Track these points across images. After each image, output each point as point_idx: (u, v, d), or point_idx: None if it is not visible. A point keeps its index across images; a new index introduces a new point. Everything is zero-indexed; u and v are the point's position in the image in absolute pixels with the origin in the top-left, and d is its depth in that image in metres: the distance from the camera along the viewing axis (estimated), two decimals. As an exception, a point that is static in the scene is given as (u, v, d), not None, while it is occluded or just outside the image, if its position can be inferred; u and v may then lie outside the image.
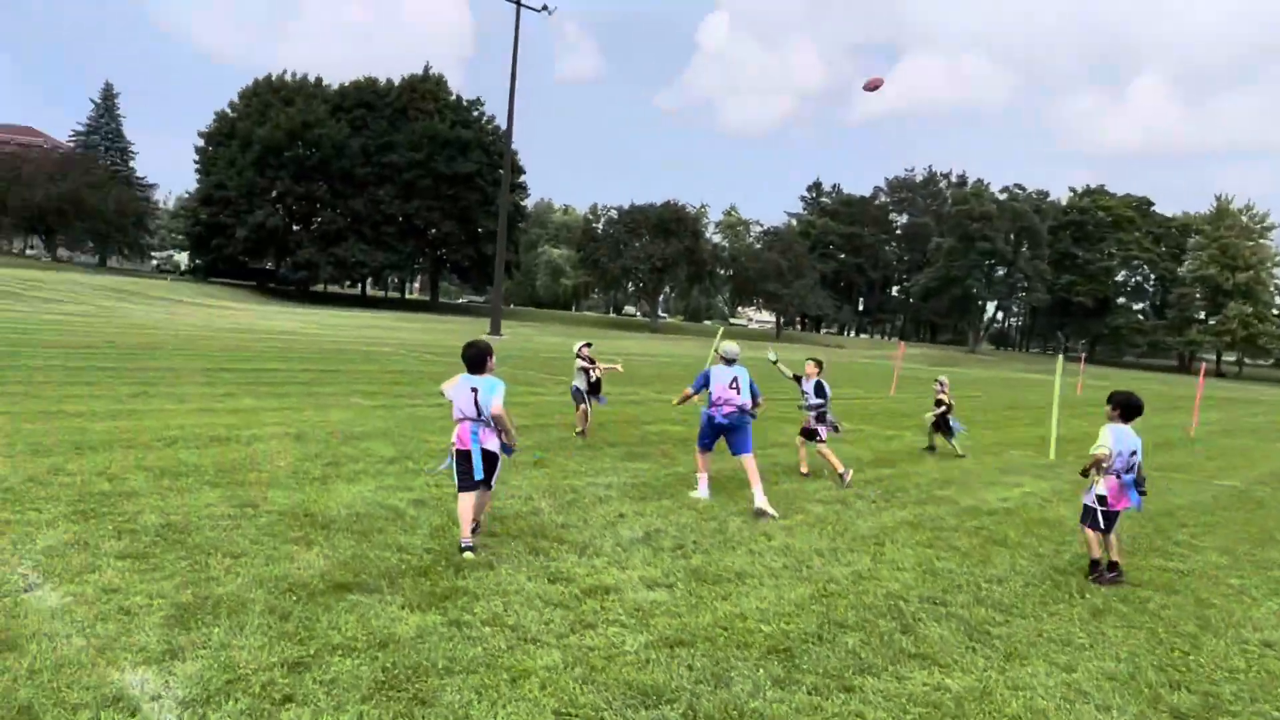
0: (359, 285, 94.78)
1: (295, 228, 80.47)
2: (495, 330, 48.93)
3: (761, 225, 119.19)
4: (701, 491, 9.09)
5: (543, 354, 33.53)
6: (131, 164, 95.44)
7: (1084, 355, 59.67)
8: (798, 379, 11.44)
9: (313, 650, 4.56)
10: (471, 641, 4.85)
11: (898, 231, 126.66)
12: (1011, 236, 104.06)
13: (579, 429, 12.88)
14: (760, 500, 8.69)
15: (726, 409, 9.00)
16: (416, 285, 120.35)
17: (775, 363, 11.69)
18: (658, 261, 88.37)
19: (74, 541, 5.96)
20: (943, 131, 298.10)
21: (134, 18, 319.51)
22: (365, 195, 78.38)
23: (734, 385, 9.04)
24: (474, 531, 6.60)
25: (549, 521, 7.56)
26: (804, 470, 11.19)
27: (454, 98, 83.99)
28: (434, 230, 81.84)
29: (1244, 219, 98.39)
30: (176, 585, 5.30)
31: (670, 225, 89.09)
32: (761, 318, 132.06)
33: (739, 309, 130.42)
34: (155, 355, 20.23)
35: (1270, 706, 5.02)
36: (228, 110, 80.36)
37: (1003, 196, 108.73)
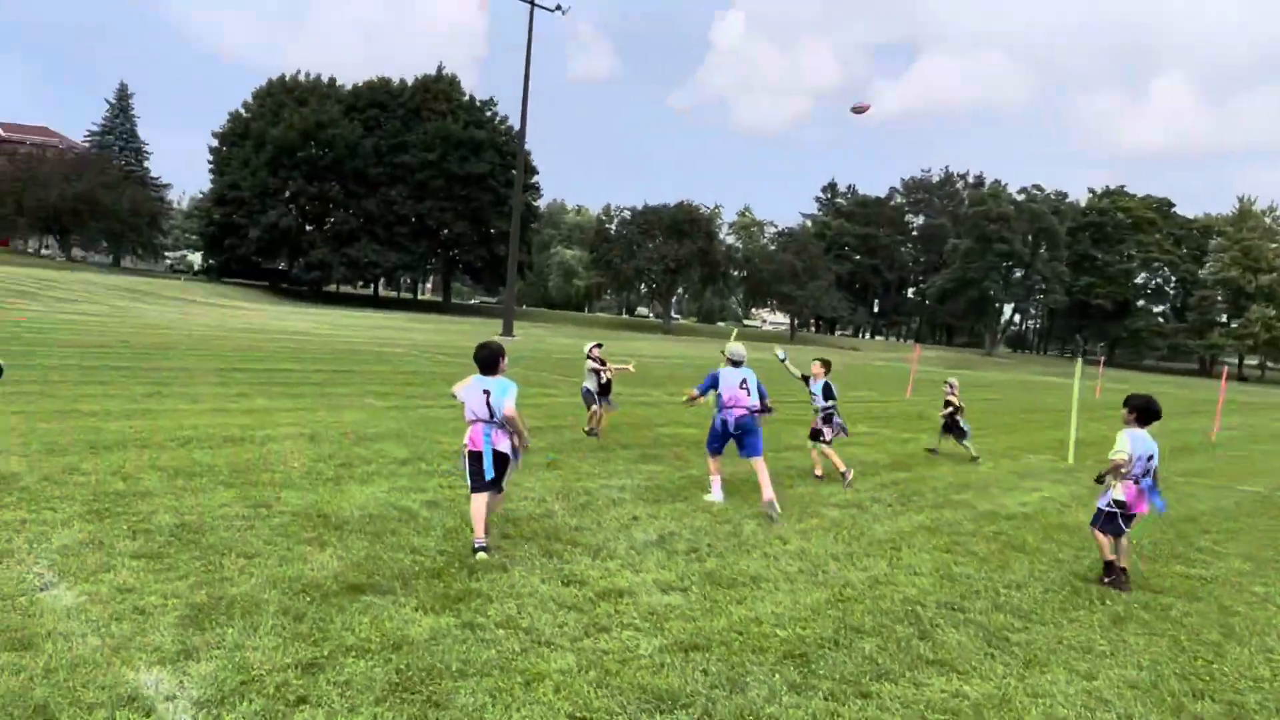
0: (371, 286, 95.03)
1: (308, 228, 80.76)
2: (507, 331, 48.96)
3: (776, 226, 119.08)
4: (715, 495, 9.04)
5: (555, 355, 33.53)
6: (146, 164, 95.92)
7: (1103, 358, 59.30)
8: (805, 379, 11.39)
9: (326, 651, 4.54)
10: (485, 644, 4.83)
11: (914, 233, 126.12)
12: (1029, 238, 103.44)
13: (588, 428, 12.86)
14: (768, 494, 8.70)
15: (738, 411, 8.96)
16: (429, 286, 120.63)
17: (784, 361, 11.63)
18: (671, 262, 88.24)
19: (89, 541, 5.97)
20: (959, 131, 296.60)
21: (147, 17, 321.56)
22: (378, 195, 78.60)
23: (744, 386, 9.01)
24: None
25: (562, 524, 7.53)
26: (818, 473, 11.13)
27: (467, 98, 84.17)
28: (446, 231, 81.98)
29: (1267, 220, 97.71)
30: (191, 585, 5.30)
31: (684, 226, 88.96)
32: (775, 319, 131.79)
33: (753, 311, 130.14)
34: (169, 355, 20.32)
35: (1295, 716, 4.95)
36: (241, 110, 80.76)
37: (1020, 197, 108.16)
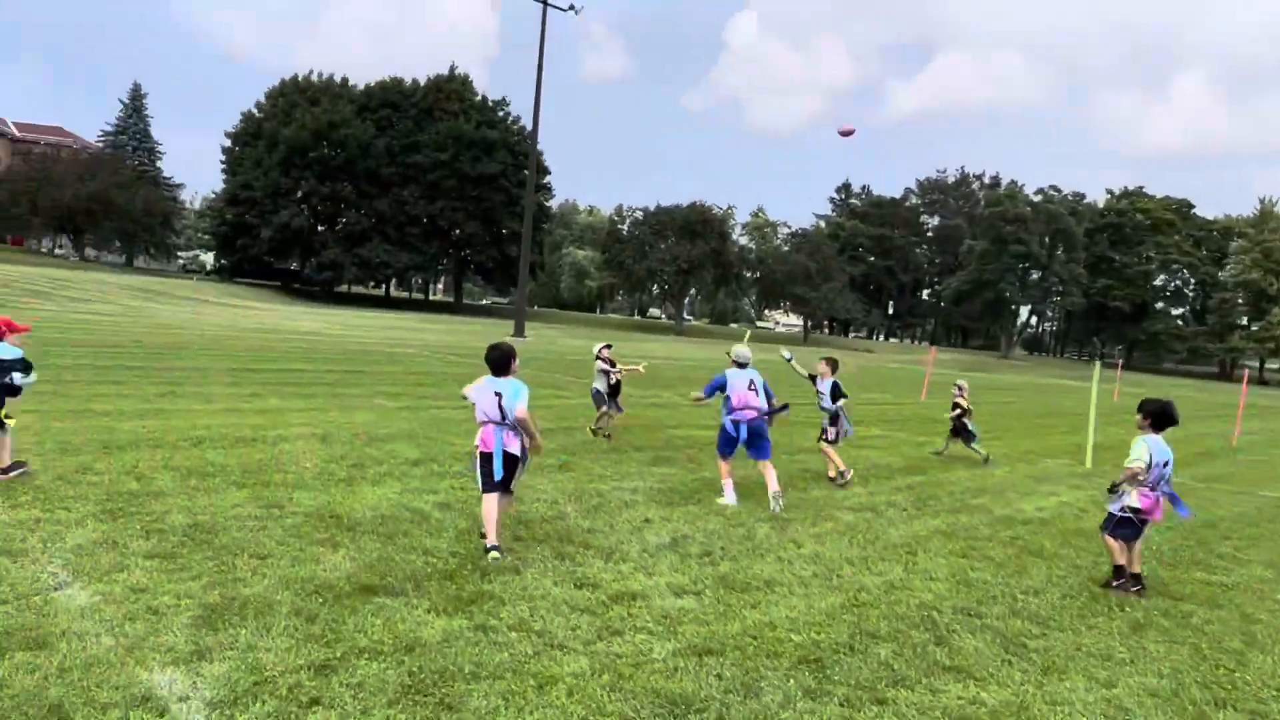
0: (383, 286, 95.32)
1: (320, 228, 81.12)
2: (519, 332, 48.98)
3: (789, 227, 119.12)
4: (729, 498, 8.98)
5: (567, 357, 33.52)
6: (159, 164, 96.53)
7: (1121, 361, 58.80)
8: (813, 378, 11.36)
9: (339, 653, 4.53)
10: (498, 647, 4.81)
11: (929, 234, 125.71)
12: (1046, 239, 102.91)
13: (593, 427, 12.83)
14: (774, 488, 8.84)
15: (749, 414, 8.93)
16: (440, 286, 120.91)
17: (790, 360, 11.61)
18: (683, 263, 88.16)
19: (102, 540, 5.97)
20: (975, 132, 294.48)
21: (159, 17, 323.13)
22: (390, 196, 78.86)
23: (751, 388, 8.98)
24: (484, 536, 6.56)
25: (575, 526, 7.51)
26: (831, 475, 11.08)
27: (479, 98, 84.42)
28: (458, 231, 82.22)
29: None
30: (204, 586, 5.29)
31: (696, 227, 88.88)
32: (789, 321, 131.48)
33: (766, 312, 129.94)
34: (182, 355, 20.39)
35: (1318, 726, 4.89)
36: (254, 110, 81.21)
37: (1037, 198, 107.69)
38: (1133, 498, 6.98)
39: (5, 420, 7.29)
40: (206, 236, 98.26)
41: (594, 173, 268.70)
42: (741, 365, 9.15)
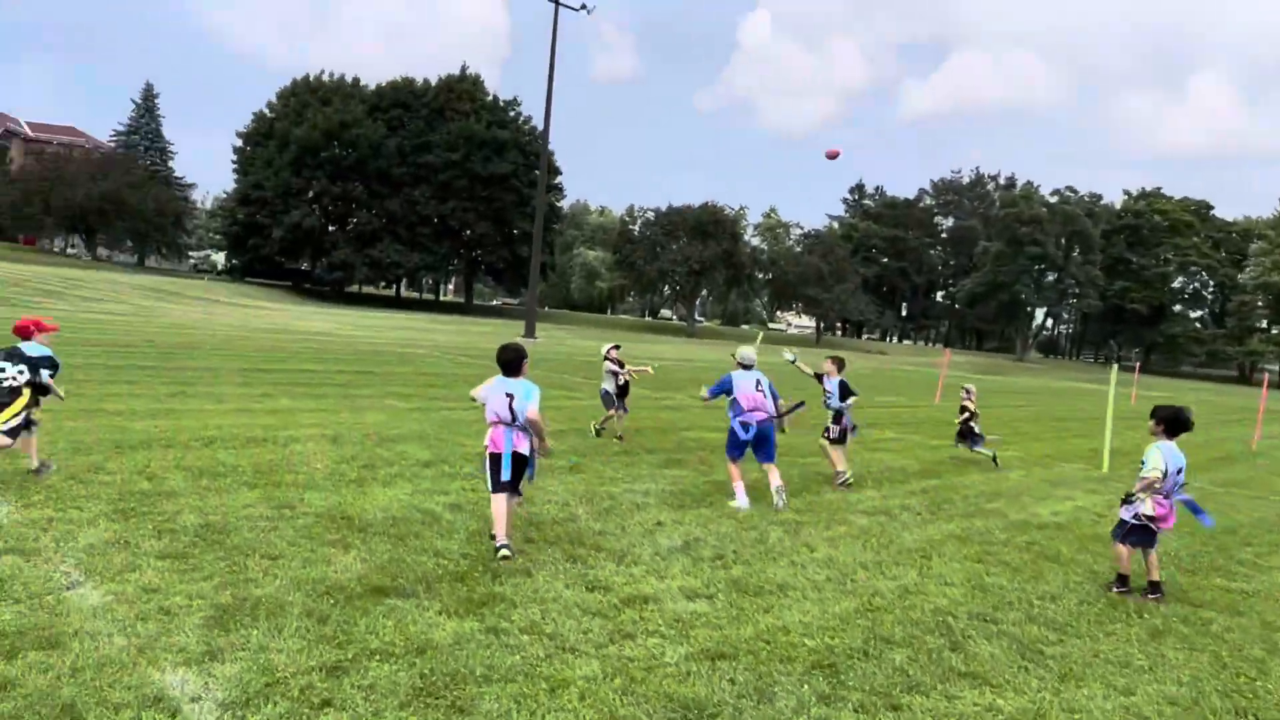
0: (394, 286, 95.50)
1: (331, 228, 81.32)
2: (530, 333, 49.03)
3: (802, 228, 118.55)
4: (740, 501, 8.93)
5: (578, 358, 33.52)
6: (170, 164, 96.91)
7: (1138, 364, 58.33)
8: (819, 377, 11.33)
9: (351, 654, 4.52)
10: (509, 649, 4.79)
11: (943, 235, 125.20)
12: (1062, 241, 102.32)
13: (597, 426, 12.78)
14: (777, 483, 8.92)
15: (759, 415, 8.93)
16: (451, 287, 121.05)
17: (794, 362, 11.58)
18: (695, 264, 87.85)
19: (115, 540, 5.98)
20: (990, 132, 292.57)
21: (172, 17, 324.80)
22: (401, 196, 79.00)
23: (759, 389, 8.96)
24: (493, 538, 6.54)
25: (586, 528, 7.48)
26: (845, 475, 11.02)
27: (491, 98, 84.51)
28: (469, 231, 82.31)
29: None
30: (215, 586, 5.29)
31: (708, 227, 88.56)
32: (801, 323, 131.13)
33: (778, 313, 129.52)
34: (193, 355, 20.44)
35: (1340, 736, 4.82)
36: (265, 110, 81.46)
37: (1053, 199, 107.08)
38: (1147, 505, 6.94)
39: (33, 421, 7.39)
40: (218, 236, 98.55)
41: (605, 173, 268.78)
42: (746, 367, 9.14)
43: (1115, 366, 17.75)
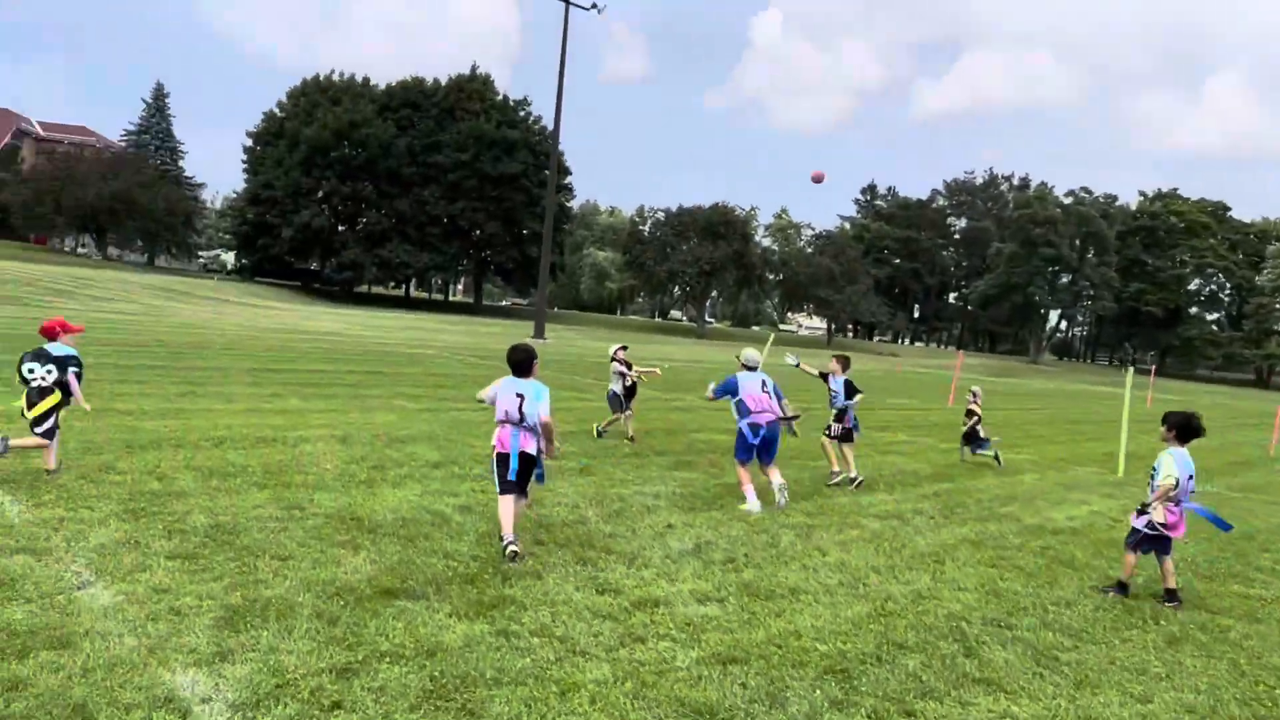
0: (403, 286, 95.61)
1: (340, 228, 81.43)
2: (539, 334, 48.98)
3: (813, 229, 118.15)
4: (751, 504, 8.88)
5: (587, 358, 33.51)
6: (181, 163, 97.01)
7: (1154, 367, 57.94)
8: (824, 376, 11.33)
9: (361, 656, 4.51)
10: (520, 652, 4.77)
11: (956, 236, 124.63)
12: (1077, 242, 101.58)
13: (600, 429, 12.74)
14: (779, 481, 8.96)
15: (768, 417, 8.93)
16: (460, 287, 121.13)
17: (797, 365, 11.55)
18: (705, 265, 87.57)
19: (125, 540, 5.98)
20: (1004, 132, 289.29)
21: (181, 16, 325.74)
22: (410, 196, 79.05)
23: (765, 389, 8.95)
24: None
25: (596, 531, 7.45)
26: (853, 474, 10.98)
27: (500, 97, 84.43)
28: (478, 231, 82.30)
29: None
30: (225, 587, 5.28)
31: (719, 228, 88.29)
32: (812, 324, 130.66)
33: (789, 315, 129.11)
34: (203, 355, 20.50)
35: (1360, 745, 4.76)
36: (276, 110, 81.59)
37: (1068, 200, 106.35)
38: (1159, 513, 6.90)
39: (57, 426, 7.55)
40: (227, 236, 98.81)
41: (615, 173, 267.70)
42: (751, 369, 9.13)
43: (1131, 370, 17.65)
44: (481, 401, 6.86)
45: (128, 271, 64.51)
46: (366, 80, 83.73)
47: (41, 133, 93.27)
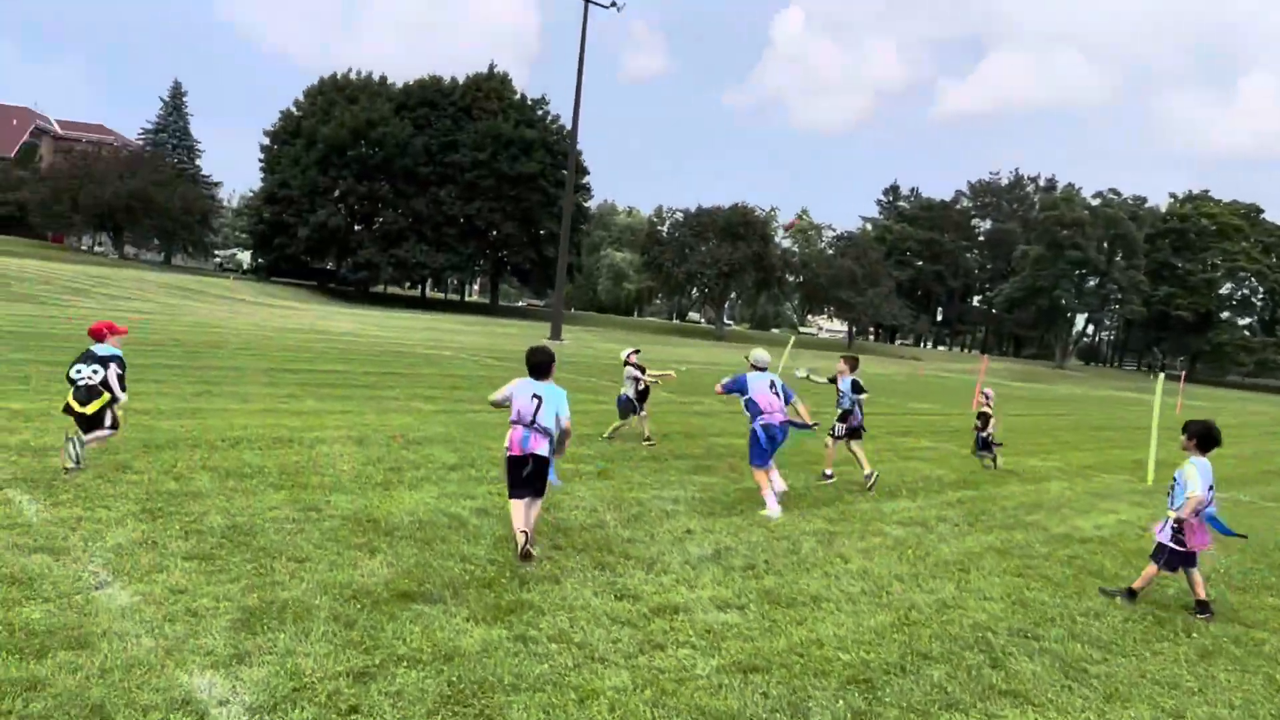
0: (419, 287, 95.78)
1: (357, 228, 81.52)
2: (556, 335, 48.97)
3: (834, 230, 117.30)
4: (772, 509, 8.80)
5: (604, 360, 33.46)
6: (197, 162, 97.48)
7: (1183, 373, 57.16)
8: (833, 380, 11.30)
9: (378, 660, 4.48)
10: (538, 658, 4.72)
11: (980, 238, 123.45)
12: (1104, 245, 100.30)
13: (607, 435, 12.67)
14: (780, 486, 8.94)
15: (778, 418, 8.93)
16: (476, 287, 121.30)
17: (807, 377, 11.54)
18: (724, 266, 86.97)
19: (142, 540, 5.96)
20: (1030, 133, 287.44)
21: (199, 15, 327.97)
22: (427, 195, 79.05)
23: (774, 389, 8.93)
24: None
25: (614, 535, 7.39)
26: (866, 470, 10.89)
27: (518, 97, 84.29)
28: (495, 232, 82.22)
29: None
30: (242, 588, 5.25)
31: (738, 229, 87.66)
32: (833, 327, 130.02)
33: (809, 317, 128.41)
34: (219, 354, 20.55)
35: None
36: (293, 109, 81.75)
37: (1095, 202, 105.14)
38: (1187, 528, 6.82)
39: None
40: (244, 235, 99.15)
41: (633, 173, 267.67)
42: (760, 369, 9.08)
43: (1161, 375, 17.40)
44: (493, 403, 6.82)
45: (144, 270, 64.88)
46: (384, 79, 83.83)
47: (59, 131, 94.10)
